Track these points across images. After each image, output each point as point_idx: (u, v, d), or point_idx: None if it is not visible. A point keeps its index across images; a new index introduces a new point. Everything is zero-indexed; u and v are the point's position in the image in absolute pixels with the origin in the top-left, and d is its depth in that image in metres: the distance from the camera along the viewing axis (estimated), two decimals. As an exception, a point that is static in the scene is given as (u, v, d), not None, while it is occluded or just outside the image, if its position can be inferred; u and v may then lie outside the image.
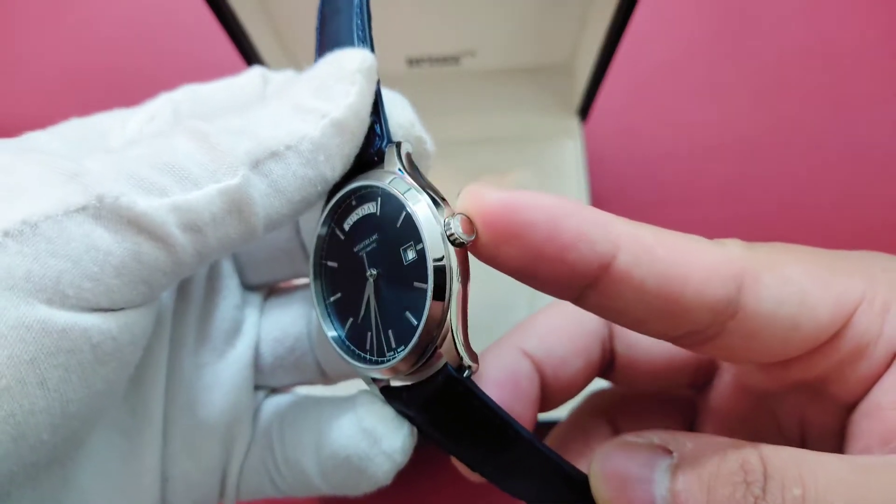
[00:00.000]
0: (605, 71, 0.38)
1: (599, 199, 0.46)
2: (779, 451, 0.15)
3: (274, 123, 0.16)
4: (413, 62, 0.42)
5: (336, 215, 0.17)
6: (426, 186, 0.16)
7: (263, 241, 0.20)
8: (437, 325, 0.15)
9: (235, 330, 0.21)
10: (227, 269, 0.21)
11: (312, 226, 0.19)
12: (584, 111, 0.43)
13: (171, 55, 0.52)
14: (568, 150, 0.45)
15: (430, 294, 0.15)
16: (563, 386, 0.20)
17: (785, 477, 0.14)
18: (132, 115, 0.19)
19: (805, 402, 0.19)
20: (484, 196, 0.14)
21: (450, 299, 0.15)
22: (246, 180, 0.15)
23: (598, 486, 0.16)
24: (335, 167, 0.16)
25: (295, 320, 0.21)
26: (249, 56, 0.36)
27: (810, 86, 0.49)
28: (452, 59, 0.42)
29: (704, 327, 0.15)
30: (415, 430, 0.18)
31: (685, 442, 0.16)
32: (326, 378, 0.21)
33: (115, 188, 0.13)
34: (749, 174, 0.47)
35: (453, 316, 0.15)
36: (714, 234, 0.16)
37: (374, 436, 0.18)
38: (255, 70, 0.20)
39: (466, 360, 0.15)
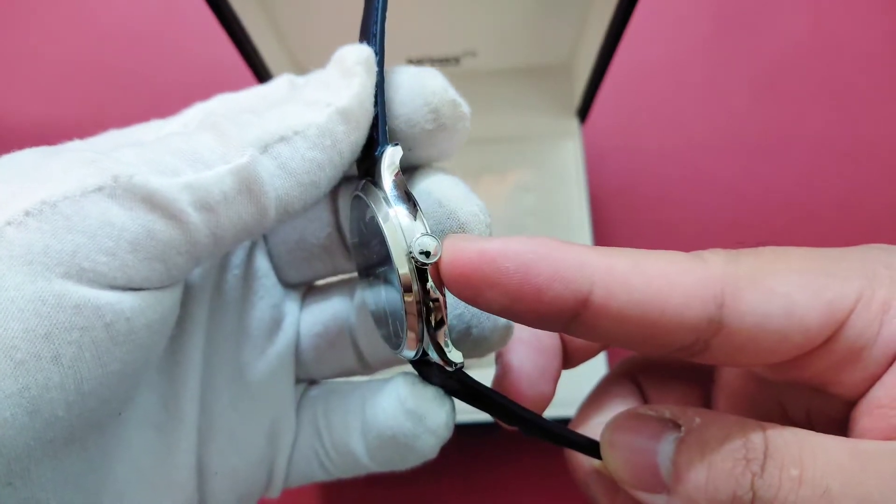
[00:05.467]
0: (604, 71, 0.38)
1: (598, 199, 0.46)
2: (783, 432, 0.15)
3: (284, 115, 0.17)
4: (413, 62, 0.42)
5: (354, 214, 0.19)
6: (402, 198, 0.16)
7: (302, 239, 0.21)
8: (420, 329, 0.16)
9: (275, 328, 0.21)
10: (263, 268, 0.21)
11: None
12: (584, 111, 0.44)
13: (171, 53, 0.52)
14: (567, 151, 0.45)
15: (405, 306, 0.16)
16: (581, 345, 0.22)
17: (785, 457, 0.14)
18: (167, 124, 0.20)
19: (809, 395, 0.19)
20: (458, 250, 0.15)
21: (426, 309, 0.16)
22: (254, 159, 0.16)
23: (607, 453, 0.17)
24: (342, 153, 0.17)
25: (335, 315, 0.22)
26: (249, 54, 0.36)
27: (811, 84, 0.49)
28: (452, 60, 0.43)
29: (689, 345, 0.15)
30: (452, 408, 0.20)
31: (695, 417, 0.16)
32: (367, 368, 0.22)
33: (129, 170, 0.14)
34: (750, 173, 0.47)
35: (432, 321, 0.16)
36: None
37: (418, 415, 0.19)
38: (284, 77, 0.21)
39: (450, 359, 0.16)
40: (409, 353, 0.17)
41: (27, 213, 0.13)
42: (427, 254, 0.15)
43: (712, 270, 0.15)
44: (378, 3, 0.18)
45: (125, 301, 0.14)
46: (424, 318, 0.16)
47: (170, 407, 0.19)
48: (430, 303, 0.16)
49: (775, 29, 0.51)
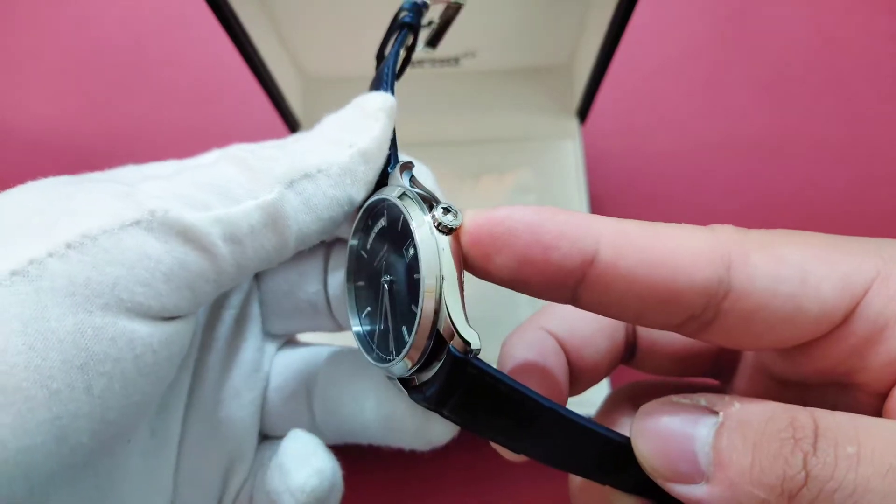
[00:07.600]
0: (604, 72, 0.38)
1: (598, 199, 0.46)
2: (833, 413, 0.14)
3: (307, 152, 0.18)
4: (413, 63, 0.42)
5: (359, 235, 0.19)
6: (420, 191, 0.17)
7: (291, 292, 0.22)
8: (435, 309, 0.16)
9: (255, 371, 0.22)
10: (254, 312, 0.22)
11: (339, 281, 0.21)
12: (584, 112, 0.44)
13: (172, 54, 0.52)
14: (567, 151, 0.45)
15: (423, 281, 0.16)
16: (588, 366, 0.21)
17: (838, 435, 0.14)
18: (184, 164, 0.21)
19: (834, 394, 0.18)
20: (475, 216, 0.16)
21: (442, 284, 0.16)
22: (281, 196, 0.17)
23: (639, 443, 0.16)
24: (360, 191, 0.18)
25: (297, 375, 0.23)
26: (249, 55, 0.36)
27: (811, 84, 0.49)
28: (452, 60, 0.43)
29: (700, 311, 0.15)
30: (323, 470, 0.20)
31: (732, 402, 0.15)
32: (317, 431, 0.23)
33: (164, 204, 0.15)
34: (749, 174, 0.47)
35: (449, 300, 0.16)
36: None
37: (284, 471, 0.19)
38: (298, 134, 0.22)
39: (469, 341, 0.16)
40: (406, 364, 0.17)
41: (69, 246, 0.13)
42: (450, 221, 0.16)
43: (721, 237, 0.15)
44: (394, 56, 0.20)
45: (154, 334, 0.15)
46: (446, 289, 0.16)
47: (158, 433, 0.19)
48: (455, 274, 0.16)
49: (776, 29, 0.51)
